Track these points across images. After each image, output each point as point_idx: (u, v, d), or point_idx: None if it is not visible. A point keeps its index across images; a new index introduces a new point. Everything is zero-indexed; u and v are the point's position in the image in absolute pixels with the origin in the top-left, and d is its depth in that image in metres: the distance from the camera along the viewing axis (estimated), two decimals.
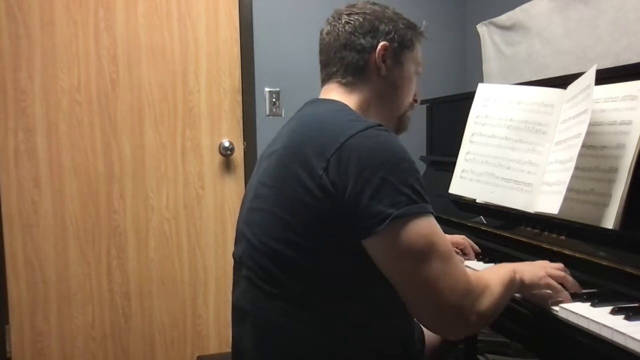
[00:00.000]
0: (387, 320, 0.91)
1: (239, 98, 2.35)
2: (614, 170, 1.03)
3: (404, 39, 1.05)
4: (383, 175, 0.82)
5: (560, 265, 1.02)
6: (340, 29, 1.03)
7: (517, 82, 1.57)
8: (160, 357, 2.30)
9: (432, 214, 0.86)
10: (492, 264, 1.23)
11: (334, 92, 1.05)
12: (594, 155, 1.09)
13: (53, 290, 2.16)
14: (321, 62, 1.08)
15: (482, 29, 2.39)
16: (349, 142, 0.85)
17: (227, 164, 2.34)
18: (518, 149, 1.30)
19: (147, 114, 2.24)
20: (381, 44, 1.02)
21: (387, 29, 1.03)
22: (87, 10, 2.14)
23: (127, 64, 2.20)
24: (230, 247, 2.45)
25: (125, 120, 2.21)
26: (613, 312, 0.86)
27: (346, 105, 0.99)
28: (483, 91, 1.46)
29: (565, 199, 1.08)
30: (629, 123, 1.03)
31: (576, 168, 1.08)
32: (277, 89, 2.40)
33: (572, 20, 1.86)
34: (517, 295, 1.02)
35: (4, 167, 2.10)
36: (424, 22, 1.11)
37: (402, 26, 1.05)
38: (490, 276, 0.91)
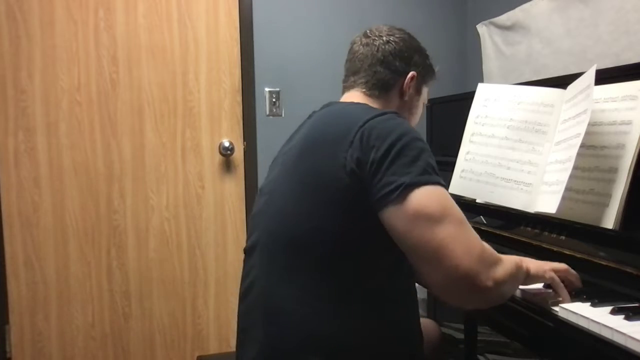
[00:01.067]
0: (395, 310, 0.92)
1: (239, 98, 2.35)
2: (614, 170, 1.03)
3: (426, 74, 1.19)
4: (399, 149, 0.87)
5: (563, 265, 1.02)
6: (380, 45, 1.12)
7: (517, 82, 1.57)
8: (160, 357, 2.30)
9: (444, 186, 0.88)
10: None
11: (355, 98, 1.11)
12: (594, 155, 1.09)
13: (53, 290, 2.16)
14: (349, 69, 1.16)
15: (482, 29, 2.39)
16: (369, 123, 0.91)
17: (227, 164, 2.34)
18: (518, 149, 1.30)
19: (147, 114, 2.24)
20: (412, 72, 1.13)
21: (418, 61, 1.16)
22: (87, 10, 2.14)
23: (127, 64, 2.20)
24: (231, 247, 2.45)
25: (125, 120, 2.21)
26: (613, 312, 0.86)
27: (365, 103, 1.06)
28: (483, 91, 1.46)
29: (565, 198, 1.08)
30: (629, 123, 1.03)
31: (576, 168, 1.08)
32: (277, 89, 2.40)
33: (572, 20, 1.86)
34: (517, 295, 1.02)
35: (4, 167, 2.10)
36: (437, 67, 1.23)
37: (427, 63, 1.19)
38: (501, 255, 0.91)
